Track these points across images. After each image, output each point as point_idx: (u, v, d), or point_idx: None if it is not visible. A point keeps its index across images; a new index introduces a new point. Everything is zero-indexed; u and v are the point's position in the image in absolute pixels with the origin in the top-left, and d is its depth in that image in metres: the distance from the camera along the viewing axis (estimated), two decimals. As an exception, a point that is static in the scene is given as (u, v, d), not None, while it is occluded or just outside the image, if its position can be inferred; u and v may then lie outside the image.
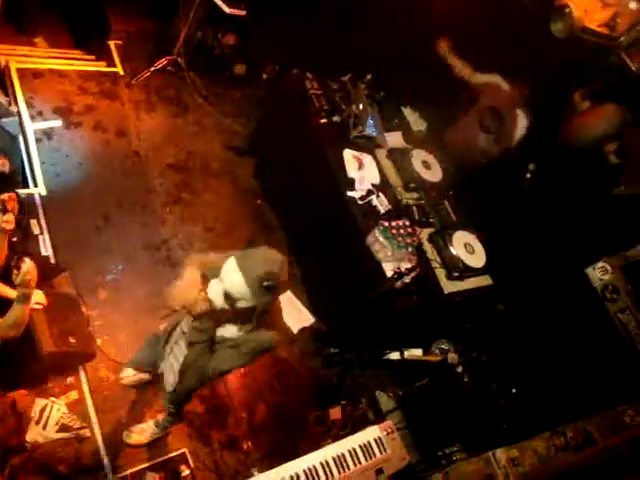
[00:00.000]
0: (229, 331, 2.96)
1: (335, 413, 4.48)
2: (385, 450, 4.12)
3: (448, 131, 5.17)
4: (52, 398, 3.72)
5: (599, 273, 4.07)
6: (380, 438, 4.15)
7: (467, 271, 4.45)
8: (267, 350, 3.04)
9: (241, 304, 2.75)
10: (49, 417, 3.62)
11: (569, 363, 3.68)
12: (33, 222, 4.36)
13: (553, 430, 3.52)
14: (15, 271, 2.86)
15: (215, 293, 2.79)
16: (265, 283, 2.65)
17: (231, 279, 2.68)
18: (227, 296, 2.74)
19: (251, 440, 4.20)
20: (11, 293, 3.42)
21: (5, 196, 3.38)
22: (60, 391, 3.80)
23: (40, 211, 4.46)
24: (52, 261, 4.25)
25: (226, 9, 5.43)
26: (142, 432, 3.79)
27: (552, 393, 3.68)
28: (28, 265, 2.86)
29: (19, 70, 5.07)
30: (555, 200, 4.61)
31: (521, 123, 4.72)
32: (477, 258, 4.56)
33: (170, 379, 3.28)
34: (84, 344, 3.82)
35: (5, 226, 3.28)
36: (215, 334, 2.97)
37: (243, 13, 5.54)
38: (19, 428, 3.47)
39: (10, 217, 3.29)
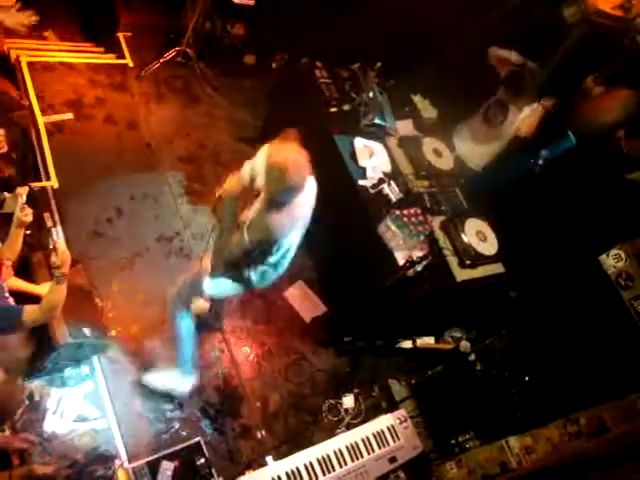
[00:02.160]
0: (244, 215, 3.29)
1: (348, 402, 4.50)
2: (398, 438, 4.16)
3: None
4: (68, 388, 3.76)
5: (613, 260, 4.03)
6: (393, 426, 4.19)
7: (479, 259, 4.44)
8: (270, 234, 3.19)
9: (257, 182, 3.11)
10: (65, 408, 3.66)
11: (582, 351, 3.66)
12: (46, 215, 4.39)
13: (567, 418, 3.52)
14: (53, 254, 3.01)
15: (245, 169, 3.27)
16: (277, 169, 2.96)
17: (258, 159, 3.11)
18: (252, 171, 3.18)
19: (265, 429, 4.23)
20: (30, 287, 3.48)
21: (21, 190, 3.43)
22: (76, 381, 3.83)
23: (53, 204, 4.49)
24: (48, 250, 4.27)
25: (234, -1, 5.42)
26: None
27: (565, 381, 3.66)
28: (63, 247, 3.08)
29: (30, 64, 5.09)
30: (567, 186, 4.57)
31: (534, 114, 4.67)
32: (489, 246, 4.55)
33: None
34: (98, 335, 3.85)
35: (24, 219, 3.32)
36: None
37: (252, 3, 5.52)
38: (37, 417, 3.51)
39: (29, 210, 3.33)
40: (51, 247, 3.11)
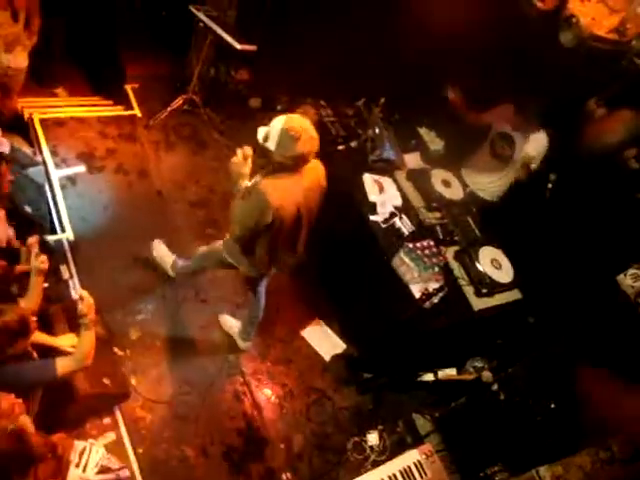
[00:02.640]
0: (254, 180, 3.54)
1: (373, 439, 4.44)
2: (425, 474, 4.08)
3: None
4: (90, 440, 3.72)
5: (630, 280, 4.02)
6: (420, 462, 4.12)
7: (495, 287, 4.42)
8: (264, 202, 3.39)
9: (269, 144, 3.36)
10: (88, 459, 3.62)
11: (606, 373, 3.61)
12: (63, 267, 4.43)
13: (598, 444, 3.45)
14: (80, 303, 3.17)
15: (261, 131, 3.44)
16: (290, 133, 3.27)
17: (279, 120, 3.34)
18: (266, 135, 3.37)
19: (290, 471, 4.18)
20: (50, 340, 3.50)
21: (31, 240, 3.49)
22: (98, 432, 3.82)
23: (69, 256, 4.54)
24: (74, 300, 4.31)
25: (237, 46, 5.51)
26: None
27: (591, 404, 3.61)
28: (87, 295, 3.22)
29: (42, 120, 5.22)
30: (579, 209, 4.57)
31: (541, 142, 4.69)
32: (504, 273, 4.53)
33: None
34: (118, 385, 3.86)
35: (41, 266, 3.37)
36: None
37: (254, 48, 5.64)
38: (59, 471, 3.48)
39: (44, 257, 3.38)
40: (77, 297, 3.23)
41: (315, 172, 3.63)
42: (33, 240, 3.61)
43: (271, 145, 3.36)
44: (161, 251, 4.69)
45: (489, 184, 4.97)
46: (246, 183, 3.58)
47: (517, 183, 4.92)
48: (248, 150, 3.63)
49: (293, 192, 3.50)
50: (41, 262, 3.39)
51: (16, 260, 3.67)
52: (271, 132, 3.35)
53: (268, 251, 3.77)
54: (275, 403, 4.45)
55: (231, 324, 4.61)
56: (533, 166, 4.74)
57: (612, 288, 4.02)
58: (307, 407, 4.51)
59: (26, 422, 2.76)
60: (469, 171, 5.12)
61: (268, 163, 3.51)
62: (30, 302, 3.42)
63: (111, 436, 3.85)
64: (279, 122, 3.33)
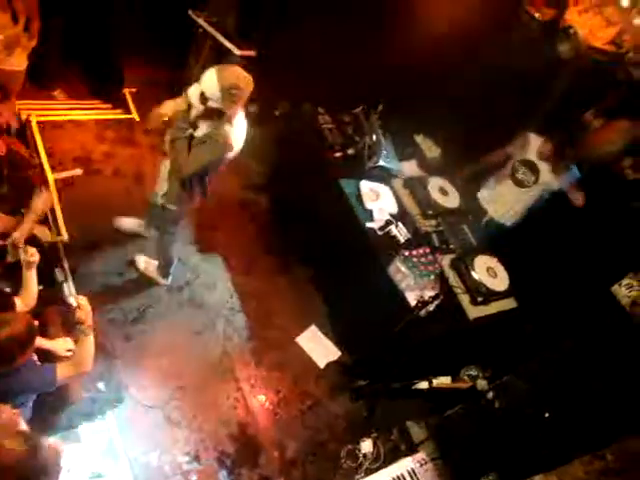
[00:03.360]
0: (201, 130, 3.66)
1: (367, 446, 4.43)
2: (419, 482, 4.07)
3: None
4: (83, 444, 3.72)
5: (625, 290, 4.02)
6: (413, 470, 4.12)
7: (491, 295, 4.43)
8: (229, 146, 3.66)
9: (211, 104, 3.47)
10: (81, 464, 3.62)
11: (602, 383, 3.61)
12: (57, 270, 4.41)
13: (592, 454, 3.45)
14: (78, 310, 3.13)
15: (194, 94, 3.52)
16: (232, 91, 3.40)
17: (208, 82, 3.42)
18: (202, 95, 3.47)
19: (284, 478, 4.16)
20: (46, 343, 3.49)
21: (16, 234, 3.48)
22: (91, 437, 3.79)
23: (63, 259, 4.52)
24: (72, 307, 4.29)
25: (236, 51, 5.54)
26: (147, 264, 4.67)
27: (588, 415, 3.60)
28: (85, 300, 3.18)
29: (40, 123, 5.23)
30: (575, 218, 4.59)
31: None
32: (500, 281, 4.54)
33: (163, 188, 4.05)
34: (112, 389, 3.84)
35: (31, 259, 3.37)
36: (190, 133, 3.69)
37: (253, 54, 5.65)
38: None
39: (33, 249, 3.38)
40: (75, 303, 3.20)
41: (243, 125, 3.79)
42: (17, 234, 3.61)
43: (217, 105, 3.48)
44: (144, 264, 4.70)
45: (508, 210, 4.96)
46: (198, 131, 3.68)
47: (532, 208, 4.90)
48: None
49: (243, 131, 3.76)
50: (31, 255, 3.38)
51: (3, 257, 3.66)
52: (208, 94, 3.44)
53: (207, 182, 3.99)
54: (269, 409, 4.43)
55: (147, 265, 4.69)
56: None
57: (607, 297, 4.02)
58: (301, 413, 4.50)
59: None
60: (487, 197, 5.09)
61: (210, 113, 3.58)
62: (27, 298, 3.42)
63: (104, 441, 3.82)
64: (213, 84, 3.40)
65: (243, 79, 3.49)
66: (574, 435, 3.62)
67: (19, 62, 4.66)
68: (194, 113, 3.66)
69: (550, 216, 4.81)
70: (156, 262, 4.66)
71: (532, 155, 4.75)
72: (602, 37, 4.59)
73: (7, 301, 3.34)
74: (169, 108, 3.72)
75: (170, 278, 4.72)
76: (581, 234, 4.55)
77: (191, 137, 3.70)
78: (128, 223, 4.83)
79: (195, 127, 3.69)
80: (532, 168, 4.73)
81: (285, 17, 5.55)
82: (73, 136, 5.35)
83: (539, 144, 4.71)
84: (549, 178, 4.68)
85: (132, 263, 4.70)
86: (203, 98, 3.47)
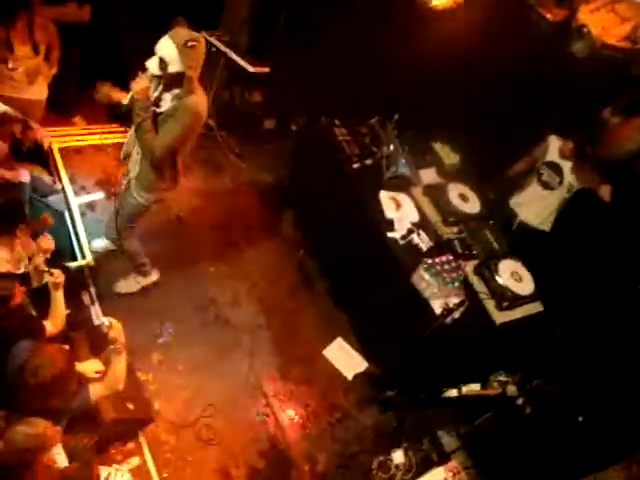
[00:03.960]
0: (165, 103, 3.63)
1: (398, 457, 4.40)
2: (453, 492, 4.03)
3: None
4: (115, 465, 3.74)
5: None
6: (446, 479, 4.07)
7: (517, 300, 4.38)
8: (196, 113, 3.59)
9: (171, 68, 3.44)
10: (113, 483, 3.65)
11: (636, 384, 3.54)
12: (84, 293, 4.47)
13: (629, 459, 3.38)
14: (110, 330, 3.25)
15: (152, 63, 3.47)
16: (190, 43, 3.36)
17: (163, 46, 3.40)
18: (161, 62, 3.43)
19: (316, 492, 4.15)
20: (77, 366, 3.53)
21: (37, 260, 3.54)
22: (122, 457, 3.83)
23: (90, 282, 4.58)
24: (104, 330, 4.33)
25: (250, 68, 5.59)
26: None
27: (623, 419, 3.53)
28: (115, 321, 3.29)
29: (61, 149, 5.31)
30: (601, 218, 4.54)
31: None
32: (525, 285, 4.49)
33: (135, 170, 3.92)
34: (142, 409, 3.87)
35: (57, 281, 3.44)
36: (154, 111, 3.64)
37: (267, 70, 5.70)
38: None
39: (57, 271, 3.46)
40: (106, 324, 3.30)
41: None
42: (38, 260, 3.67)
43: (177, 67, 3.43)
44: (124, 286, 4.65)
45: (538, 214, 4.91)
46: (162, 107, 3.64)
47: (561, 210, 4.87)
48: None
49: (206, 101, 3.72)
50: (56, 277, 3.45)
51: (28, 282, 3.72)
52: (167, 57, 3.41)
53: (178, 165, 3.93)
54: (298, 423, 4.43)
55: (128, 283, 4.61)
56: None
57: (636, 298, 3.96)
58: (331, 427, 4.49)
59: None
60: (517, 202, 5.05)
61: (172, 81, 3.55)
62: (56, 320, 3.50)
63: (135, 461, 3.85)
64: (168, 44, 3.38)
65: (196, 35, 3.46)
66: (609, 440, 3.56)
67: (40, 91, 4.77)
68: (154, 90, 3.63)
69: (576, 217, 4.76)
70: (133, 276, 4.62)
71: (554, 156, 4.71)
72: (616, 34, 4.56)
73: (36, 325, 3.40)
74: (137, 86, 3.58)
75: (153, 271, 4.68)
76: (608, 234, 4.49)
77: (155, 115, 3.65)
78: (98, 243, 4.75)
79: (158, 104, 3.66)
80: (556, 169, 4.69)
81: (298, 31, 5.59)
82: (94, 160, 5.43)
83: (560, 144, 4.68)
84: (573, 177, 4.63)
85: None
86: (162, 64, 3.44)
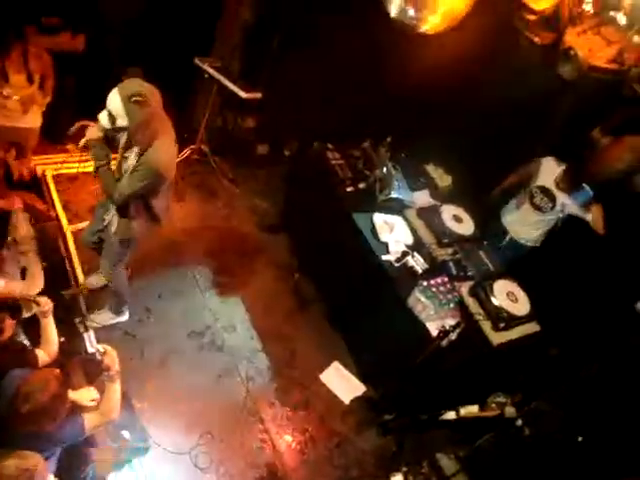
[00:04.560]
0: (129, 161, 3.54)
1: (398, 481, 4.36)
2: (454, 515, 3.99)
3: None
4: (111, 496, 3.70)
5: (649, 306, 3.98)
6: (447, 503, 4.03)
7: (513, 320, 4.38)
8: (157, 171, 3.48)
9: (119, 122, 3.35)
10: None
11: (635, 403, 3.54)
12: (78, 321, 4.44)
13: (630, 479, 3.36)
14: (104, 357, 3.24)
15: (102, 116, 3.39)
16: (134, 99, 3.24)
17: (111, 100, 3.30)
18: (110, 115, 3.34)
19: (316, 519, 4.10)
20: (71, 394, 3.50)
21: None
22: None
23: (84, 309, 4.55)
24: (99, 358, 4.30)
25: (242, 94, 5.64)
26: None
27: (622, 438, 3.52)
28: (109, 348, 3.29)
29: (55, 177, 5.33)
30: (592, 237, 4.57)
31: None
32: (521, 306, 4.49)
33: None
34: (138, 438, 3.83)
35: (45, 309, 3.44)
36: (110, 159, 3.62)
37: (259, 96, 5.75)
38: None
39: (44, 298, 3.44)
40: (101, 350, 3.29)
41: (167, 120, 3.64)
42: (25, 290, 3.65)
43: (124, 122, 3.34)
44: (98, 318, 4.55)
45: (529, 234, 4.98)
46: (126, 163, 3.57)
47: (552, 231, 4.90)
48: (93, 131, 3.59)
49: (173, 149, 3.64)
50: (44, 304, 3.43)
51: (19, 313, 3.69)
52: (114, 111, 3.31)
53: (155, 208, 3.79)
54: (297, 449, 4.38)
55: (97, 318, 4.49)
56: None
57: (632, 316, 3.98)
58: (329, 452, 4.44)
59: None
60: (508, 219, 5.11)
61: (131, 138, 3.49)
62: (48, 348, 3.46)
63: (132, 490, 3.80)
64: (115, 98, 3.28)
65: (145, 87, 3.34)
66: (611, 459, 3.54)
67: (34, 120, 4.81)
68: (120, 142, 3.59)
69: (569, 236, 4.79)
70: (105, 311, 4.53)
71: (548, 182, 4.74)
72: (602, 56, 4.62)
73: (29, 356, 3.37)
74: (91, 134, 3.58)
75: (127, 311, 4.60)
76: (602, 253, 4.52)
77: (119, 164, 3.64)
78: (94, 279, 4.70)
79: (124, 156, 3.60)
80: (548, 194, 4.73)
81: (290, 57, 5.65)
82: (87, 187, 5.42)
83: (556, 171, 4.71)
84: (566, 204, 4.66)
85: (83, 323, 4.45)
86: (111, 117, 3.34)
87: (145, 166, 3.45)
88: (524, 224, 4.95)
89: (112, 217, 3.86)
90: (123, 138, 3.55)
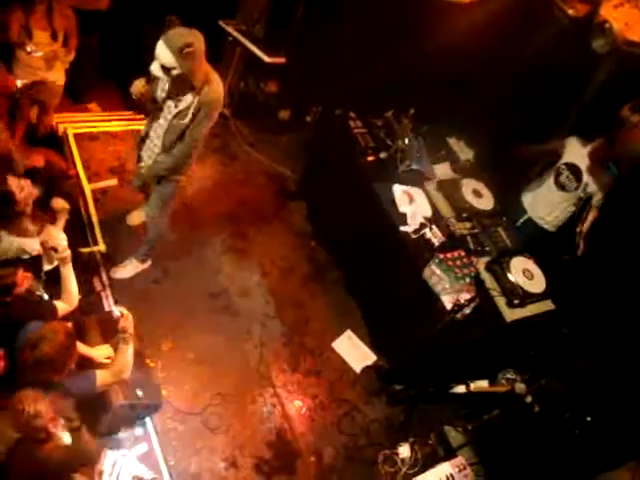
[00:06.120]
0: (181, 105, 3.73)
1: (404, 451, 4.39)
2: (458, 488, 4.02)
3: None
4: (122, 450, 3.77)
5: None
6: (452, 475, 4.06)
7: (527, 297, 4.35)
8: (220, 102, 3.79)
9: (174, 72, 3.50)
10: (120, 470, 3.66)
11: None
12: (95, 279, 4.50)
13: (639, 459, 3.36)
14: (121, 320, 3.30)
15: (155, 68, 3.53)
16: (185, 51, 3.39)
17: (160, 52, 3.44)
18: (163, 68, 3.49)
19: (321, 484, 4.16)
20: (87, 350, 3.56)
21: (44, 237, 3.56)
22: (130, 443, 3.85)
23: (101, 268, 4.60)
24: (115, 316, 4.36)
25: (266, 58, 5.58)
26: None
27: (632, 419, 3.50)
28: (126, 312, 3.35)
29: (76, 135, 5.35)
30: (614, 216, 4.49)
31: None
32: (537, 283, 4.46)
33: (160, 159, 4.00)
34: (151, 396, 3.88)
35: (64, 255, 3.47)
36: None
37: (283, 60, 5.68)
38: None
39: (63, 246, 3.47)
40: (118, 314, 3.35)
41: None
42: (45, 236, 3.67)
43: (179, 69, 3.49)
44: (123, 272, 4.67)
45: (548, 215, 4.82)
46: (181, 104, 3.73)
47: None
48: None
49: (220, 85, 3.78)
50: (61, 252, 3.46)
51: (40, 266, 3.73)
52: (167, 64, 3.46)
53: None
54: (306, 415, 4.44)
55: (126, 267, 4.66)
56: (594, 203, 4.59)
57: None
58: (338, 419, 4.49)
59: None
60: (529, 197, 4.96)
61: (182, 81, 3.62)
62: (68, 298, 3.52)
63: (143, 447, 3.87)
64: (165, 52, 3.42)
65: (190, 35, 3.48)
66: (620, 440, 3.53)
67: (58, 77, 4.80)
68: (162, 90, 3.78)
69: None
70: (132, 260, 4.66)
71: (577, 159, 4.61)
72: (639, 30, 4.49)
73: (47, 308, 3.42)
74: (138, 88, 3.89)
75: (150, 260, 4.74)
76: (620, 232, 4.45)
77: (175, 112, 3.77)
78: (136, 216, 4.90)
79: (177, 103, 3.76)
80: (577, 174, 4.58)
81: (314, 23, 5.56)
82: (108, 147, 5.45)
83: (583, 149, 4.58)
84: (590, 180, 4.54)
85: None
86: (165, 69, 3.50)
87: (209, 101, 3.68)
88: (544, 203, 4.84)
89: (161, 156, 4.00)
90: (167, 86, 3.75)
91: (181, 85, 3.65)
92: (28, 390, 2.76)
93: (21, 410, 2.69)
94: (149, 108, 4.05)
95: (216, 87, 3.71)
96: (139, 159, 4.18)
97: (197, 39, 3.48)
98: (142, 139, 4.12)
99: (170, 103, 3.78)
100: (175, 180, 4.14)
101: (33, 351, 2.87)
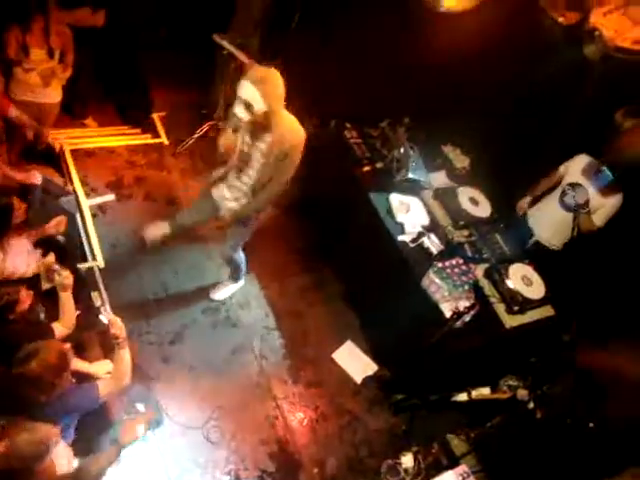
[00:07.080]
0: (262, 145, 3.78)
1: (407, 461, 4.38)
2: (463, 496, 4.01)
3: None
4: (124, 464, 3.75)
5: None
6: (456, 483, 4.05)
7: (527, 303, 4.36)
8: (301, 143, 3.84)
9: (257, 109, 3.53)
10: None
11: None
12: (94, 294, 4.49)
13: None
14: (111, 327, 3.24)
15: (239, 111, 3.58)
16: (265, 81, 3.48)
17: (243, 90, 3.51)
18: (246, 105, 3.53)
19: (325, 495, 4.15)
20: (85, 366, 3.55)
21: (47, 261, 3.56)
22: (131, 458, 3.83)
23: (100, 283, 4.60)
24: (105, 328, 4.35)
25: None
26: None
27: (633, 424, 3.50)
28: (114, 317, 3.30)
29: (73, 151, 5.37)
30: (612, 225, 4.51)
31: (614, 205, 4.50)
32: (536, 289, 4.47)
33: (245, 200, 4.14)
34: (151, 411, 3.88)
35: (65, 281, 3.45)
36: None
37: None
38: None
39: (66, 272, 3.46)
40: (106, 322, 3.31)
41: None
42: (50, 259, 3.68)
43: (260, 104, 3.52)
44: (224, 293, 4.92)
45: (554, 234, 4.79)
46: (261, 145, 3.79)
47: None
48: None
49: (293, 119, 3.84)
50: (65, 277, 3.45)
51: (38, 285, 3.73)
52: (248, 97, 3.50)
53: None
54: (307, 426, 4.43)
55: (225, 291, 4.90)
56: (598, 224, 4.54)
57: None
58: (340, 430, 4.48)
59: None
60: (535, 218, 4.92)
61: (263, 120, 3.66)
62: (66, 321, 3.51)
63: (145, 462, 3.85)
64: (246, 86, 3.49)
65: (267, 70, 3.59)
66: (622, 445, 3.53)
67: (55, 95, 4.82)
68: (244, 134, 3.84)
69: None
70: (227, 283, 4.88)
71: (577, 176, 4.59)
72: (630, 37, 4.53)
73: (45, 329, 3.41)
74: (224, 142, 3.99)
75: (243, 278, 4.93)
76: (617, 237, 4.47)
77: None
78: (154, 230, 4.77)
79: (253, 149, 3.84)
80: (579, 190, 4.54)
81: (309, 34, 5.59)
82: (105, 162, 5.47)
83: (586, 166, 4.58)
84: (597, 199, 4.52)
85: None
86: (247, 107, 3.53)
87: (292, 140, 3.75)
88: (550, 224, 4.80)
89: (235, 203, 4.14)
90: (249, 131, 3.80)
91: (261, 128, 3.70)
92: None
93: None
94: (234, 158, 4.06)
95: (290, 122, 3.77)
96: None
97: (274, 74, 3.57)
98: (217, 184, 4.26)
99: (261, 145, 3.80)
100: (257, 217, 4.26)
101: (21, 365, 2.83)
